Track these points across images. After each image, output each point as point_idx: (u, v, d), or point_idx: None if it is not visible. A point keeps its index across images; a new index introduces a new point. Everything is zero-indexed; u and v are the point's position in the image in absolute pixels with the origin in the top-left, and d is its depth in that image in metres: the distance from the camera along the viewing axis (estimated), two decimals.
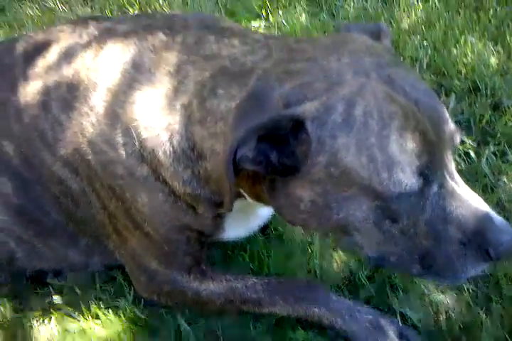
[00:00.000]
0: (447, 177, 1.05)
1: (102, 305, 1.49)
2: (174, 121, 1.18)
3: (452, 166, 1.08)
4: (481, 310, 1.48)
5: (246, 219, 1.41)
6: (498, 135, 2.05)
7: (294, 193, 1.06)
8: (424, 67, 2.32)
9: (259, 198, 1.21)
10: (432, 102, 1.05)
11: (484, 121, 2.08)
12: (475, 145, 2.03)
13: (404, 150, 0.98)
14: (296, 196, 1.06)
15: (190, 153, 1.18)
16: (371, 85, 1.01)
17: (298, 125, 1.00)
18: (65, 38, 1.40)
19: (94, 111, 1.28)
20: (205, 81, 1.16)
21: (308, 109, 0.99)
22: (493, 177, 1.88)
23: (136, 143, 1.22)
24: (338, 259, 1.58)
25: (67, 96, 1.33)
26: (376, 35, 1.22)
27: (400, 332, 1.39)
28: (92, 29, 1.38)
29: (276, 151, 1.03)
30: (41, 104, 1.36)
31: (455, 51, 2.36)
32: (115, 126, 1.25)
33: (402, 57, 2.30)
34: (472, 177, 1.89)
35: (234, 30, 1.28)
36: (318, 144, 1.00)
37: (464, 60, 2.31)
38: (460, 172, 1.87)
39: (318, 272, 1.54)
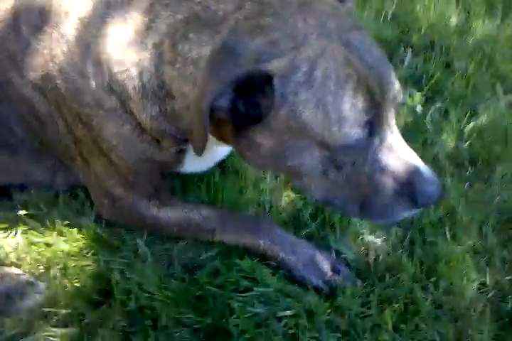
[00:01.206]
0: (388, 132, 1.20)
1: (65, 222, 1.59)
2: (145, 58, 1.25)
3: (393, 123, 1.22)
4: (405, 252, 1.68)
5: (206, 155, 1.49)
6: (446, 93, 2.20)
7: (255, 139, 1.19)
8: (388, 19, 2.42)
9: (222, 139, 1.32)
10: (382, 68, 1.18)
11: (435, 78, 2.21)
12: (423, 101, 2.18)
13: (354, 108, 1.11)
14: (256, 142, 1.19)
15: (158, 90, 1.26)
16: (332, 48, 1.12)
17: (266, 80, 1.11)
18: None
19: (65, 38, 1.32)
20: (177, 24, 1.22)
21: (276, 66, 1.10)
22: (434, 133, 2.04)
23: (107, 76, 1.28)
24: (287, 197, 1.73)
25: (38, 21, 1.36)
26: None
27: (333, 266, 1.58)
28: None
29: (243, 101, 1.14)
30: (12, 26, 1.39)
31: (418, 7, 2.45)
32: (86, 56, 1.30)
33: (367, 9, 2.38)
34: (415, 130, 2.06)
35: None
36: (281, 99, 1.11)
37: (426, 17, 2.40)
38: (405, 124, 2.07)
39: (267, 207, 1.69)
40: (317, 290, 1.52)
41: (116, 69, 1.27)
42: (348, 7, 1.31)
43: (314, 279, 1.54)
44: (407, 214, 1.26)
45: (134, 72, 1.26)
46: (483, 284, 1.67)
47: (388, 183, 1.21)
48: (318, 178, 1.22)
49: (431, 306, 1.54)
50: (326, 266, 1.56)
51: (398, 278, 1.59)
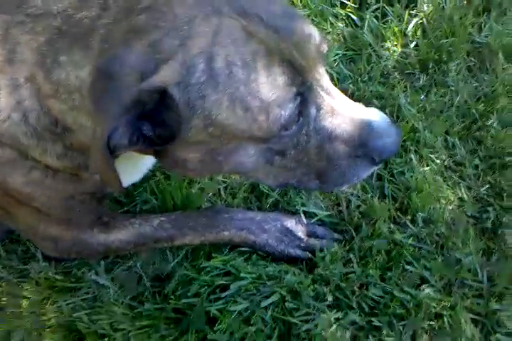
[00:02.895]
0: (323, 94, 1.07)
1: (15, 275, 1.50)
2: (22, 97, 1.09)
3: (326, 80, 1.09)
4: (375, 191, 1.63)
5: (136, 165, 1.39)
6: None
7: (179, 156, 1.07)
8: None
9: (146, 154, 1.22)
10: (291, 23, 1.01)
11: None
12: (356, 6, 2.00)
13: (275, 87, 0.97)
14: (181, 159, 1.08)
15: (53, 128, 1.12)
16: (226, 25, 0.96)
17: (162, 93, 0.97)
18: None
19: None
20: (42, 48, 1.06)
21: (167, 74, 0.95)
22: (377, 46, 1.89)
23: None
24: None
25: None
26: None
27: (308, 230, 1.55)
28: None
29: (147, 124, 1.01)
30: None
31: None
32: None
33: None
34: (356, 47, 1.91)
35: None
36: (187, 108, 0.97)
37: None
38: (344, 41, 1.92)
39: (222, 192, 1.62)
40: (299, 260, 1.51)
41: None
42: None
43: (292, 250, 1.53)
44: (368, 172, 1.18)
45: (16, 117, 1.11)
46: (460, 199, 1.64)
47: (340, 150, 1.11)
48: (264, 170, 1.12)
49: (413, 242, 1.53)
50: (299, 233, 1.55)
51: (374, 223, 1.56)
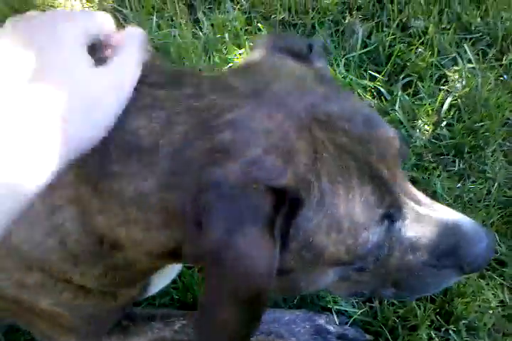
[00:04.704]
0: (408, 201, 0.92)
1: None
2: (61, 220, 0.92)
3: (408, 186, 0.94)
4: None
5: (169, 271, 1.23)
6: (409, 65, 1.91)
7: None
8: None
9: None
10: (374, 131, 0.88)
11: (395, 51, 1.90)
12: (385, 79, 1.90)
13: (366, 207, 0.84)
14: None
15: (98, 247, 0.94)
16: (319, 139, 0.82)
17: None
18: None
19: None
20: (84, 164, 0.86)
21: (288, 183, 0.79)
22: (407, 124, 1.79)
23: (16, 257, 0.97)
24: None
25: None
26: (304, 54, 0.99)
27: (338, 332, 1.40)
28: None
29: None
30: None
31: None
32: None
33: None
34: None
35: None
36: (294, 232, 0.82)
37: None
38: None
39: None
40: None
41: (26, 247, 0.95)
42: (317, 69, 0.98)
43: None
44: (455, 280, 1.04)
45: (52, 243, 0.94)
46: (502, 303, 1.51)
47: (424, 260, 0.95)
48: (338, 285, 0.99)
49: None
50: (329, 336, 1.39)
51: (412, 327, 1.42)
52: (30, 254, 0.95)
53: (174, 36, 1.91)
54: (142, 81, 0.82)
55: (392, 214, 0.88)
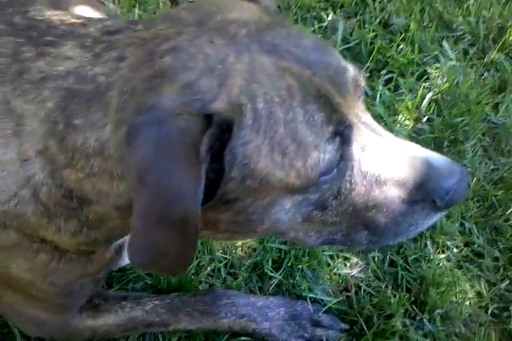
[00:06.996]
0: (367, 132, 0.91)
1: None
2: (33, 173, 0.93)
3: (368, 117, 0.94)
4: (388, 278, 1.48)
5: None
6: (390, 62, 1.92)
7: (209, 217, 0.89)
8: None
9: None
10: (323, 57, 0.89)
11: (376, 47, 1.91)
12: (367, 75, 1.90)
13: (312, 126, 0.83)
14: (212, 220, 0.90)
15: (68, 202, 0.94)
16: (258, 62, 0.84)
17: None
18: None
19: None
20: (52, 115, 0.90)
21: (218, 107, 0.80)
22: (388, 118, 1.79)
23: None
24: (240, 248, 1.48)
25: None
26: None
27: (313, 319, 1.39)
28: None
29: None
30: None
31: None
32: None
33: None
34: None
35: (56, 28, 0.96)
36: (230, 156, 0.82)
37: None
38: None
39: (222, 270, 1.45)
40: None
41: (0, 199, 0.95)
42: (262, 4, 0.98)
43: (294, 340, 1.35)
44: (430, 220, 0.98)
45: (24, 195, 0.94)
46: (479, 294, 1.50)
47: (393, 195, 0.93)
48: (303, 227, 0.95)
49: None
50: (304, 322, 1.38)
51: (387, 316, 1.40)
52: (4, 208, 0.95)
53: None
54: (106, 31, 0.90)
55: (342, 131, 0.86)
